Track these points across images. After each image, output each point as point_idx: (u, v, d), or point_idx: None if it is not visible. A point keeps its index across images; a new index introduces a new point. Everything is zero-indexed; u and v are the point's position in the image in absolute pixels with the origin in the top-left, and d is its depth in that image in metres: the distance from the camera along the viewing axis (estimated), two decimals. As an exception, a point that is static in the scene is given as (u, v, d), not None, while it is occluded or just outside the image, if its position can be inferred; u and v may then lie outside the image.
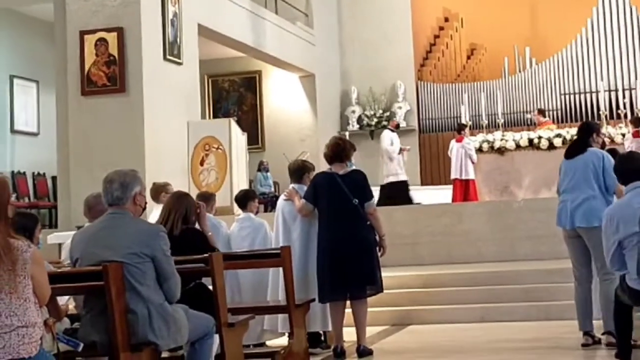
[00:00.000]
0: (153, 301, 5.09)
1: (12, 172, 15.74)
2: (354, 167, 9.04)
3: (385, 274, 8.35)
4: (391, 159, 16.52)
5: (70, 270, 5.43)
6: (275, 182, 18.22)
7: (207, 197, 8.78)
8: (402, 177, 16.61)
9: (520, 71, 21.44)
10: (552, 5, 21.45)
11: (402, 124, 21.04)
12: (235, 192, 11.00)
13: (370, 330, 8.50)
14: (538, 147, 15.75)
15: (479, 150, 16.15)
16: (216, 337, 5.86)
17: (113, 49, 12.99)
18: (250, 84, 20.37)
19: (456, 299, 10.41)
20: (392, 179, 16.48)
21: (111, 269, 4.94)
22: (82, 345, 4.94)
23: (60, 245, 9.91)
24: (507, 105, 20.44)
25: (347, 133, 19.39)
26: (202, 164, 13.59)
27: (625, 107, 17.61)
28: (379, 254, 8.02)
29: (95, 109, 13.03)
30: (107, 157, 12.32)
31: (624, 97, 18.22)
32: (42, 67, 16.22)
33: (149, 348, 5.10)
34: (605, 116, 16.86)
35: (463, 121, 17.48)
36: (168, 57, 13.56)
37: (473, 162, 16.09)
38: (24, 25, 16.51)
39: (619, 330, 6.57)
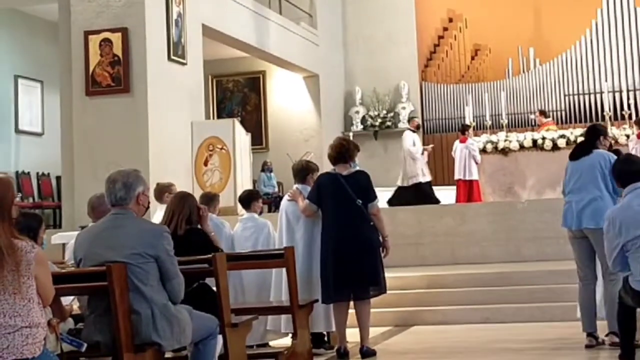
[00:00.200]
0: (157, 301, 5.10)
1: (17, 172, 15.76)
2: (357, 168, 9.03)
3: (389, 274, 8.35)
4: (414, 159, 16.44)
5: (74, 270, 5.44)
6: (279, 182, 18.22)
7: (211, 198, 8.79)
8: (427, 177, 16.54)
9: (524, 72, 21.43)
10: (557, 6, 21.43)
11: (406, 125, 21.02)
12: (239, 192, 11.01)
13: (373, 331, 8.51)
14: (542, 148, 15.74)
15: (483, 150, 16.14)
16: (219, 338, 5.86)
17: (117, 50, 12.99)
18: (254, 84, 20.37)
19: (460, 300, 10.41)
20: (415, 180, 16.43)
21: (115, 270, 4.94)
22: (85, 345, 4.94)
23: (64, 245, 9.92)
24: (511, 106, 20.43)
25: (351, 133, 19.40)
26: (206, 164, 13.59)
27: (629, 108, 17.60)
28: (383, 254, 8.03)
29: (100, 109, 13.04)
30: (111, 157, 12.33)
31: (628, 98, 18.22)
32: (46, 68, 16.24)
33: (153, 348, 5.11)
34: (610, 117, 16.86)
35: (467, 122, 17.47)
36: (172, 57, 13.56)
37: (477, 163, 16.07)
38: (28, 25, 16.53)
39: (622, 331, 6.58)
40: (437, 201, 16.03)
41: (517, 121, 20.44)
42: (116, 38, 12.99)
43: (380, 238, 8.02)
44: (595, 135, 7.91)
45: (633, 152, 13.81)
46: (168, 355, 5.60)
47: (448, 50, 22.49)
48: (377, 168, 18.97)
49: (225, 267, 6.19)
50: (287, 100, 20.23)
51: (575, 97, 20.71)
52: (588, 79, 20.69)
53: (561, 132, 16.24)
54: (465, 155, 16.19)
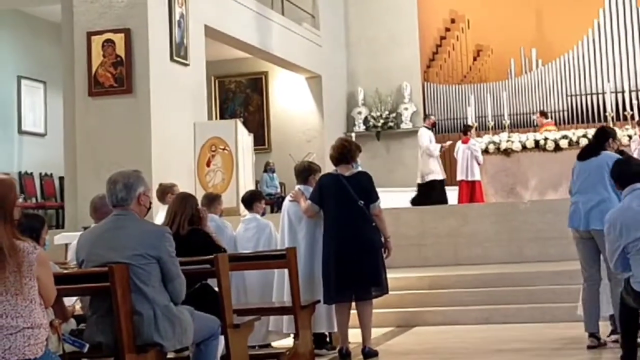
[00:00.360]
0: (158, 302, 5.11)
1: (20, 172, 15.78)
2: (359, 169, 9.04)
3: (391, 275, 8.35)
4: (431, 157, 16.43)
5: (76, 271, 5.46)
6: (282, 183, 18.24)
7: (213, 199, 8.81)
8: (441, 175, 16.54)
9: (526, 73, 21.43)
10: (559, 7, 21.43)
11: (408, 125, 21.08)
12: (242, 193, 11.04)
13: (375, 332, 8.51)
14: (544, 149, 15.76)
15: (485, 151, 16.15)
16: (221, 338, 5.87)
17: (120, 50, 13.01)
18: (257, 85, 20.38)
19: (462, 301, 10.41)
20: (431, 177, 16.44)
21: (117, 270, 4.95)
22: (87, 346, 4.95)
23: (67, 245, 9.94)
24: (513, 106, 20.44)
25: (353, 134, 19.40)
26: (208, 164, 13.60)
27: (631, 109, 17.59)
28: (385, 255, 8.03)
29: (102, 109, 13.06)
30: (114, 157, 12.34)
31: (630, 98, 18.19)
32: (49, 68, 16.26)
33: (155, 349, 5.12)
34: (612, 118, 16.85)
35: (469, 122, 17.48)
36: (175, 58, 13.58)
37: (479, 164, 16.07)
38: (31, 26, 16.55)
39: (624, 332, 6.58)
40: (446, 201, 16.04)
41: (519, 122, 20.44)
42: (119, 39, 13.01)
43: (382, 239, 8.03)
44: (604, 137, 7.91)
45: (636, 153, 13.83)
46: (170, 355, 5.61)
47: (450, 50, 22.50)
48: (380, 169, 19.01)
49: (228, 267, 6.20)
50: (289, 101, 20.24)
51: (578, 97, 20.71)
52: (590, 79, 20.69)
53: (563, 132, 16.25)
54: (468, 156, 16.19)
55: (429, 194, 16.03)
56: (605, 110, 17.94)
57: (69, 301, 5.54)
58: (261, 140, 19.33)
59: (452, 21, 22.92)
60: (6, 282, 4.00)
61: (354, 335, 8.07)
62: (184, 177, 12.89)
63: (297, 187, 8.43)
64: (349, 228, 7.88)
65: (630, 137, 15.36)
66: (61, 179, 15.70)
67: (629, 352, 6.50)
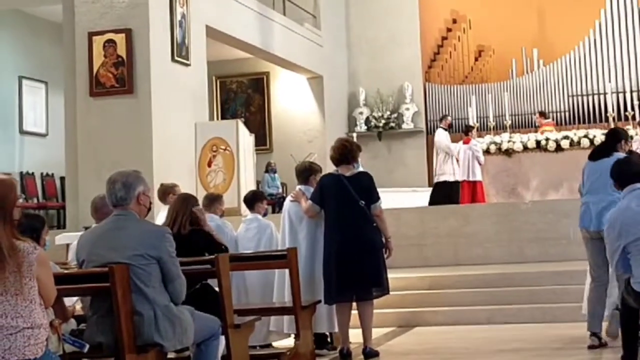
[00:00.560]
0: (159, 303, 5.11)
1: (21, 172, 15.79)
2: (360, 169, 9.05)
3: (392, 275, 8.35)
4: (451, 157, 16.43)
5: (76, 271, 5.46)
6: (283, 183, 18.24)
7: (214, 199, 8.82)
8: (453, 177, 16.53)
9: (527, 73, 21.42)
10: (560, 7, 21.42)
11: (410, 126, 21.08)
12: (243, 193, 11.02)
13: (376, 332, 8.51)
14: (545, 149, 15.76)
15: (487, 152, 16.15)
16: (222, 339, 5.88)
17: (121, 51, 13.01)
18: (258, 85, 20.39)
19: (462, 301, 10.41)
20: (443, 178, 16.44)
21: (117, 271, 4.96)
22: (88, 346, 4.95)
23: (68, 245, 9.94)
24: (514, 107, 20.44)
25: (354, 134, 19.39)
26: (209, 165, 13.60)
27: (633, 109, 17.59)
28: (385, 255, 8.03)
29: (104, 110, 13.06)
30: (115, 158, 12.34)
31: (632, 99, 18.20)
32: (50, 68, 16.27)
33: (155, 349, 5.12)
34: (613, 118, 16.86)
35: (470, 123, 17.48)
36: (176, 58, 13.58)
37: (480, 164, 16.07)
38: (32, 26, 16.56)
39: (624, 332, 6.58)
40: (455, 202, 16.06)
41: (520, 122, 20.44)
42: (120, 39, 13.02)
43: (383, 239, 8.03)
44: (616, 139, 7.90)
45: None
46: (170, 356, 5.62)
47: (452, 51, 22.49)
48: (381, 169, 19.02)
49: (228, 267, 6.20)
50: (290, 101, 20.25)
51: (579, 97, 20.70)
52: (592, 79, 20.68)
53: (564, 133, 16.25)
54: (469, 156, 16.19)
55: (440, 193, 16.06)
56: (606, 111, 17.95)
57: (69, 301, 5.55)
58: (262, 141, 19.32)
59: (454, 21, 22.92)
60: (6, 282, 4.00)
61: (355, 336, 8.08)
62: (185, 178, 12.89)
63: (298, 187, 8.44)
64: (350, 228, 7.88)
65: (631, 137, 15.34)
66: (62, 179, 15.71)
67: (629, 352, 6.50)
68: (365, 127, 21.20)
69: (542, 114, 18.32)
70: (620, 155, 7.66)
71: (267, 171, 18.06)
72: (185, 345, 5.42)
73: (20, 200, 4.50)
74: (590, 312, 7.67)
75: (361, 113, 21.35)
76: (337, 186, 7.96)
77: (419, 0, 21.41)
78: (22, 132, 16.36)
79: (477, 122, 17.90)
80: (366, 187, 8.00)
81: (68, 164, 13.67)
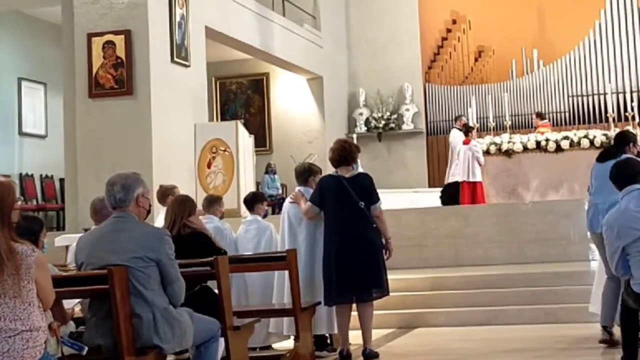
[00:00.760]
0: (158, 305, 5.10)
1: (20, 174, 15.78)
2: (360, 170, 9.03)
3: (392, 276, 8.34)
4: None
5: (75, 274, 5.44)
6: (283, 184, 18.23)
7: (213, 200, 8.81)
8: (461, 178, 16.50)
9: (527, 73, 21.42)
10: (560, 8, 21.42)
11: (410, 126, 21.08)
12: (243, 194, 11.02)
13: (376, 333, 8.50)
14: (545, 150, 15.74)
15: (487, 152, 16.13)
16: (222, 341, 5.86)
17: (120, 52, 13.00)
18: (258, 86, 20.38)
19: (463, 302, 10.39)
20: (452, 179, 16.42)
21: (116, 273, 4.94)
22: (86, 348, 4.94)
23: (67, 247, 9.93)
24: (514, 107, 20.45)
25: (354, 135, 19.38)
26: (209, 166, 13.59)
27: (632, 110, 17.57)
28: (385, 256, 8.02)
29: (103, 111, 13.05)
30: (114, 159, 12.34)
31: (631, 99, 18.18)
32: (50, 70, 16.26)
33: (154, 352, 5.11)
34: (613, 118, 16.84)
35: (470, 123, 17.45)
36: (175, 59, 13.57)
37: (480, 165, 16.05)
38: (32, 27, 16.55)
39: (624, 332, 6.57)
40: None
41: (520, 123, 20.44)
42: (119, 40, 13.00)
43: (383, 240, 8.02)
44: (624, 141, 7.90)
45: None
46: (170, 358, 5.61)
47: (452, 51, 22.49)
48: (381, 170, 19.03)
49: (227, 269, 6.19)
50: (290, 102, 20.24)
51: (579, 98, 20.70)
52: (592, 80, 20.69)
53: (564, 133, 16.23)
54: (469, 157, 16.17)
55: (449, 193, 16.08)
56: (606, 111, 17.93)
57: (69, 303, 5.54)
58: (262, 142, 19.32)
59: (454, 22, 22.91)
60: (4, 285, 3.99)
61: (355, 337, 8.06)
62: (185, 179, 12.88)
63: (297, 188, 8.43)
64: (350, 229, 7.87)
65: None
66: (62, 180, 15.70)
67: (629, 352, 6.49)
68: (365, 128, 21.20)
69: (539, 115, 18.34)
70: (628, 155, 7.65)
71: (267, 172, 18.05)
72: (184, 348, 5.41)
73: (20, 202, 4.49)
74: (604, 306, 7.63)
75: (361, 114, 21.35)
76: (337, 187, 7.95)
77: (418, 1, 21.42)
78: (22, 133, 16.35)
79: (477, 122, 17.88)
80: (366, 188, 7.98)
81: (67, 165, 13.66)
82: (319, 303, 7.88)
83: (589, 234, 7.92)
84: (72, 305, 5.69)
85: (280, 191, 18.03)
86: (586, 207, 8.15)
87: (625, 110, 18.08)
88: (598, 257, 8.10)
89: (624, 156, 7.54)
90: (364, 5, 21.46)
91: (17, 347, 3.98)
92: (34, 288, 4.07)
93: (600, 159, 7.89)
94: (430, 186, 20.29)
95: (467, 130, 16.80)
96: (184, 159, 13.45)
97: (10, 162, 15.96)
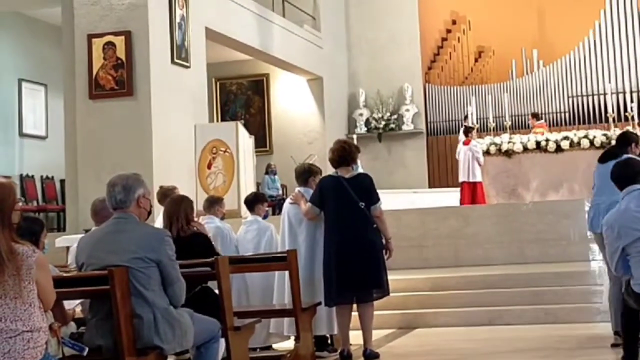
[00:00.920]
0: (158, 305, 5.10)
1: (21, 175, 15.79)
2: (360, 170, 9.04)
3: (392, 277, 8.34)
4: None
5: (76, 274, 5.45)
6: (283, 185, 18.24)
7: (214, 201, 8.81)
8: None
9: (527, 74, 21.44)
10: (560, 8, 21.43)
11: (410, 127, 21.09)
12: (243, 195, 11.02)
13: (377, 334, 8.50)
14: (545, 150, 15.74)
15: (487, 153, 16.13)
16: (222, 341, 5.87)
17: (121, 53, 13.01)
18: (258, 87, 20.40)
19: (463, 302, 10.39)
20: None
21: (116, 274, 4.94)
22: (87, 349, 4.94)
23: (68, 248, 9.93)
24: (514, 107, 20.46)
25: (354, 136, 19.38)
26: (209, 167, 13.59)
27: (632, 110, 17.57)
28: (386, 256, 8.02)
29: (103, 112, 13.06)
30: (115, 160, 12.35)
31: (631, 99, 18.18)
32: (50, 71, 16.27)
33: (155, 352, 5.11)
34: (613, 119, 16.84)
35: (470, 124, 17.46)
36: (176, 60, 13.58)
37: (480, 164, 16.06)
38: (32, 28, 16.56)
39: (625, 333, 6.58)
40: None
41: (520, 123, 20.44)
42: (119, 41, 13.02)
43: (383, 240, 8.02)
44: (626, 142, 7.89)
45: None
46: (170, 358, 5.61)
47: (451, 52, 22.50)
48: (381, 170, 19.03)
49: (228, 270, 6.20)
50: (290, 103, 20.25)
51: (579, 98, 20.72)
52: (591, 80, 20.71)
53: (565, 133, 16.23)
54: (469, 157, 16.18)
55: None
56: (606, 112, 17.93)
57: (71, 304, 5.54)
58: (262, 142, 19.33)
59: (453, 22, 22.92)
60: (5, 286, 4.00)
61: (355, 337, 8.06)
62: (185, 180, 12.88)
63: (297, 189, 8.43)
64: (350, 230, 7.87)
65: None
66: (62, 181, 15.71)
67: (629, 353, 6.50)
68: (365, 129, 21.22)
69: (535, 115, 18.37)
70: (630, 156, 7.65)
71: (267, 173, 18.05)
72: (185, 348, 5.41)
73: (20, 203, 4.49)
74: (612, 311, 7.62)
75: (361, 114, 21.36)
76: (337, 188, 7.95)
77: (418, 1, 21.43)
78: (22, 134, 16.36)
79: (477, 123, 17.88)
80: (366, 189, 7.99)
81: (68, 166, 13.67)
82: (319, 303, 7.88)
83: (589, 233, 7.92)
84: (73, 306, 5.69)
85: (280, 192, 18.04)
86: (586, 208, 8.17)
87: (625, 110, 18.08)
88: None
89: (625, 156, 7.55)
90: (364, 6, 21.48)
91: (18, 348, 3.98)
92: (35, 289, 4.08)
93: (602, 159, 7.90)
94: (430, 187, 20.31)
95: (466, 130, 16.82)
96: (184, 159, 13.46)
97: (11, 163, 15.97)
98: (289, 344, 8.23)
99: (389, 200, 15.54)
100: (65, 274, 5.74)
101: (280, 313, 7.92)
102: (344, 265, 7.80)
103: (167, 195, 9.13)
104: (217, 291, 6.21)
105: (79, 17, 13.25)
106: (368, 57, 21.48)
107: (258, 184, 16.73)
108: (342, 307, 7.95)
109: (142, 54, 13.01)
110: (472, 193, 16.13)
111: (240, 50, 17.17)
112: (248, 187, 13.55)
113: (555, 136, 16.05)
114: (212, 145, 13.63)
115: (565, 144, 15.62)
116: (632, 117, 17.25)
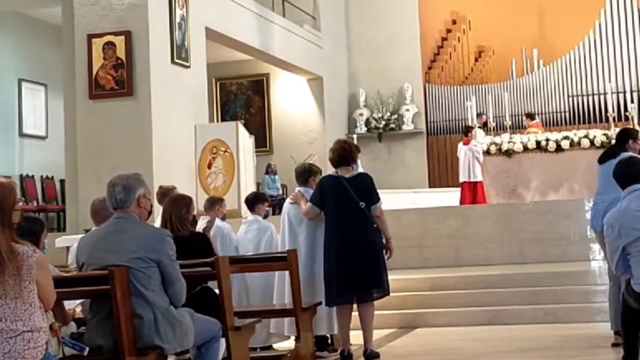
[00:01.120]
0: (159, 305, 5.10)
1: (21, 175, 15.79)
2: (360, 170, 9.04)
3: (392, 276, 8.35)
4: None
5: (76, 274, 5.45)
6: (283, 184, 18.23)
7: (215, 201, 8.82)
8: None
9: (527, 73, 21.44)
10: (560, 7, 21.43)
11: (410, 127, 21.08)
12: (243, 195, 11.03)
13: (377, 334, 8.50)
14: (546, 150, 15.73)
15: (487, 152, 16.13)
16: (223, 341, 5.87)
17: (121, 53, 13.01)
18: (258, 86, 20.39)
19: (463, 302, 10.39)
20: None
21: (117, 274, 4.94)
22: (87, 349, 4.94)
23: (68, 248, 9.93)
24: (514, 107, 20.45)
25: (354, 136, 19.37)
26: (209, 167, 13.59)
27: (632, 109, 17.57)
28: (386, 256, 8.02)
29: (103, 112, 13.06)
30: (115, 160, 12.35)
31: (631, 99, 18.18)
32: (50, 71, 16.27)
33: (155, 352, 5.11)
34: (613, 118, 16.83)
35: (470, 123, 17.46)
36: (176, 60, 13.58)
37: (480, 163, 16.05)
38: (32, 28, 16.56)
39: (625, 332, 6.58)
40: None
41: (520, 123, 20.41)
42: (119, 41, 13.01)
43: (384, 240, 8.02)
44: (625, 138, 7.89)
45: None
46: (171, 358, 5.61)
47: (452, 52, 22.49)
48: (381, 170, 19.02)
49: (228, 270, 6.20)
50: (290, 103, 20.25)
51: (579, 98, 20.72)
52: (592, 79, 20.70)
53: (565, 133, 16.23)
54: (470, 157, 16.18)
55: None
56: (606, 111, 17.92)
57: (70, 304, 5.54)
58: (262, 142, 19.33)
59: (454, 22, 22.91)
60: (5, 286, 4.00)
61: (356, 337, 8.06)
62: (185, 180, 12.88)
63: (297, 189, 8.43)
64: (350, 230, 7.87)
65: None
66: (62, 181, 15.71)
67: (629, 352, 6.50)
68: (366, 129, 21.21)
69: (529, 115, 18.38)
70: (626, 155, 7.65)
71: (267, 173, 18.05)
72: (185, 348, 5.41)
73: (20, 204, 4.49)
74: (612, 311, 7.62)
75: (361, 114, 21.36)
76: (337, 188, 7.95)
77: (418, 1, 21.43)
78: (22, 134, 16.36)
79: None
80: (366, 189, 7.98)
81: (68, 166, 13.67)
82: (320, 303, 7.89)
83: (589, 233, 7.93)
84: (73, 306, 5.69)
85: (280, 192, 18.04)
86: (587, 208, 8.18)
87: (626, 110, 18.07)
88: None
89: (627, 154, 7.54)
90: (364, 6, 21.47)
91: (19, 348, 3.98)
92: (35, 289, 4.08)
93: (601, 160, 7.90)
94: (430, 186, 20.31)
95: (466, 130, 16.81)
96: (184, 159, 13.46)
97: (11, 163, 15.98)
98: (289, 344, 8.23)
99: (389, 200, 15.54)
100: (65, 274, 5.74)
101: (281, 313, 7.92)
102: (344, 265, 7.80)
103: (166, 195, 9.13)
104: (217, 291, 6.21)
105: (79, 17, 13.25)
106: (368, 57, 21.47)
107: (258, 184, 16.73)
108: (343, 307, 7.95)
109: (142, 54, 13.01)
110: (472, 193, 16.13)
111: (240, 50, 17.17)
112: (248, 187, 13.55)
113: (555, 136, 16.03)
114: (212, 145, 13.62)
115: (565, 144, 15.61)
116: (632, 117, 17.24)
